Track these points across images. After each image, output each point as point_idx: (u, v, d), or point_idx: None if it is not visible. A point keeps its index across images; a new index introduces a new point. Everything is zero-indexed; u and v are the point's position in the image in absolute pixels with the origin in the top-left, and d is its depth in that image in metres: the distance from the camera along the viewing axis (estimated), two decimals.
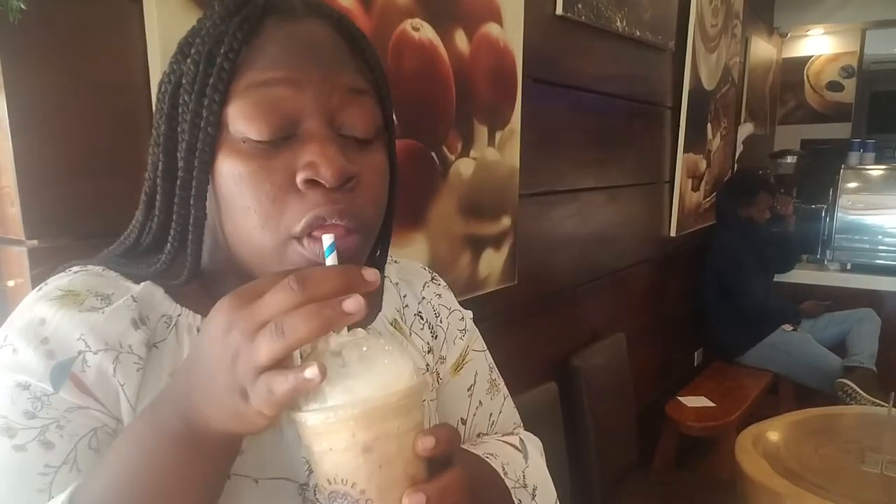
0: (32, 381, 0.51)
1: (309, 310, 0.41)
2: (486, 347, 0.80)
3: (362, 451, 0.44)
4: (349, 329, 0.47)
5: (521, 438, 0.74)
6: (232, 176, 0.52)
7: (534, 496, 0.68)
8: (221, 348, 0.42)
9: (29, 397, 0.50)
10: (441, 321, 0.74)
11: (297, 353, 0.44)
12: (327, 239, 0.47)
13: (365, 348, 0.45)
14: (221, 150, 0.52)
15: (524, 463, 0.69)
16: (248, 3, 0.54)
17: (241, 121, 0.51)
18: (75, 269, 0.57)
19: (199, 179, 0.53)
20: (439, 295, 0.75)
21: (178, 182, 0.54)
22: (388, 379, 0.45)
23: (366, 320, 0.65)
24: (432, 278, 0.77)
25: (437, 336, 0.73)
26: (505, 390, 0.81)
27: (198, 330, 0.57)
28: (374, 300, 0.68)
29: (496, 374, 0.80)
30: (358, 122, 0.54)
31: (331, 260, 0.47)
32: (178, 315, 0.57)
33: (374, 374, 0.44)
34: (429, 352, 0.71)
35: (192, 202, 0.54)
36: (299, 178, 0.51)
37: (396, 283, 0.72)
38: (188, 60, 0.53)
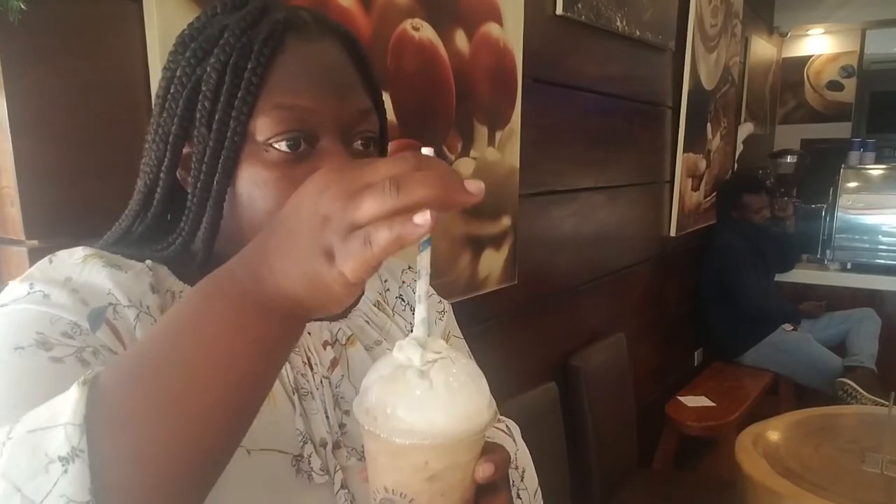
0: (71, 318, 0.51)
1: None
2: (462, 336, 0.83)
3: (429, 477, 0.44)
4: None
5: (506, 424, 0.77)
6: (255, 182, 0.56)
7: (522, 477, 0.71)
8: (312, 207, 0.39)
9: (68, 322, 0.51)
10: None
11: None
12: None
13: (453, 371, 0.44)
14: (245, 158, 0.56)
15: (514, 446, 0.72)
16: (265, 15, 0.57)
17: (267, 134, 0.55)
18: (81, 248, 0.58)
19: (220, 183, 0.56)
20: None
21: (199, 184, 0.57)
22: (471, 413, 0.44)
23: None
24: (409, 266, 0.80)
25: None
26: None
27: None
28: None
29: (474, 361, 0.82)
30: (365, 137, 0.60)
31: (426, 254, 0.45)
32: (181, 291, 0.59)
33: (457, 406, 0.43)
34: (411, 331, 0.73)
35: (210, 203, 0.57)
36: None
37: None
38: (208, 68, 0.55)
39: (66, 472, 0.37)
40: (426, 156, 0.41)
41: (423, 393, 0.43)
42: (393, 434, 0.43)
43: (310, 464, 0.59)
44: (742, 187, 3.37)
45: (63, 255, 0.57)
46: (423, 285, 0.45)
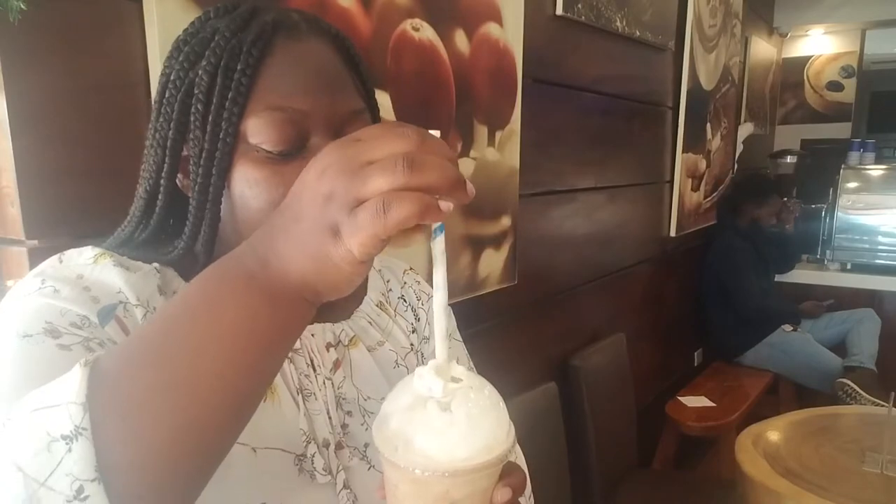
0: (81, 312, 0.52)
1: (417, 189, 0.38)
2: (462, 340, 0.84)
3: None
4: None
5: None
6: (247, 181, 0.56)
7: None
8: (314, 187, 0.40)
9: (77, 315, 0.51)
10: (422, 304, 0.78)
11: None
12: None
13: (473, 401, 0.44)
14: (237, 159, 0.57)
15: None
16: (254, 17, 0.58)
17: (259, 134, 0.56)
18: (90, 248, 0.59)
19: (216, 185, 0.57)
20: (419, 282, 0.80)
21: (196, 187, 0.57)
22: (492, 442, 0.44)
23: (352, 304, 0.70)
24: (410, 267, 0.82)
25: (419, 318, 0.77)
26: None
27: None
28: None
29: (472, 364, 0.83)
30: None
31: (440, 240, 0.44)
32: None
33: (479, 436, 0.44)
34: (413, 332, 0.75)
35: (208, 205, 0.57)
36: None
37: (380, 270, 0.77)
38: (200, 71, 0.56)
39: (70, 450, 0.36)
40: (428, 134, 0.40)
41: (444, 425, 0.43)
42: (413, 465, 0.43)
43: (312, 463, 0.59)
44: (773, 188, 3.38)
45: (72, 253, 0.57)
46: (440, 273, 0.44)
